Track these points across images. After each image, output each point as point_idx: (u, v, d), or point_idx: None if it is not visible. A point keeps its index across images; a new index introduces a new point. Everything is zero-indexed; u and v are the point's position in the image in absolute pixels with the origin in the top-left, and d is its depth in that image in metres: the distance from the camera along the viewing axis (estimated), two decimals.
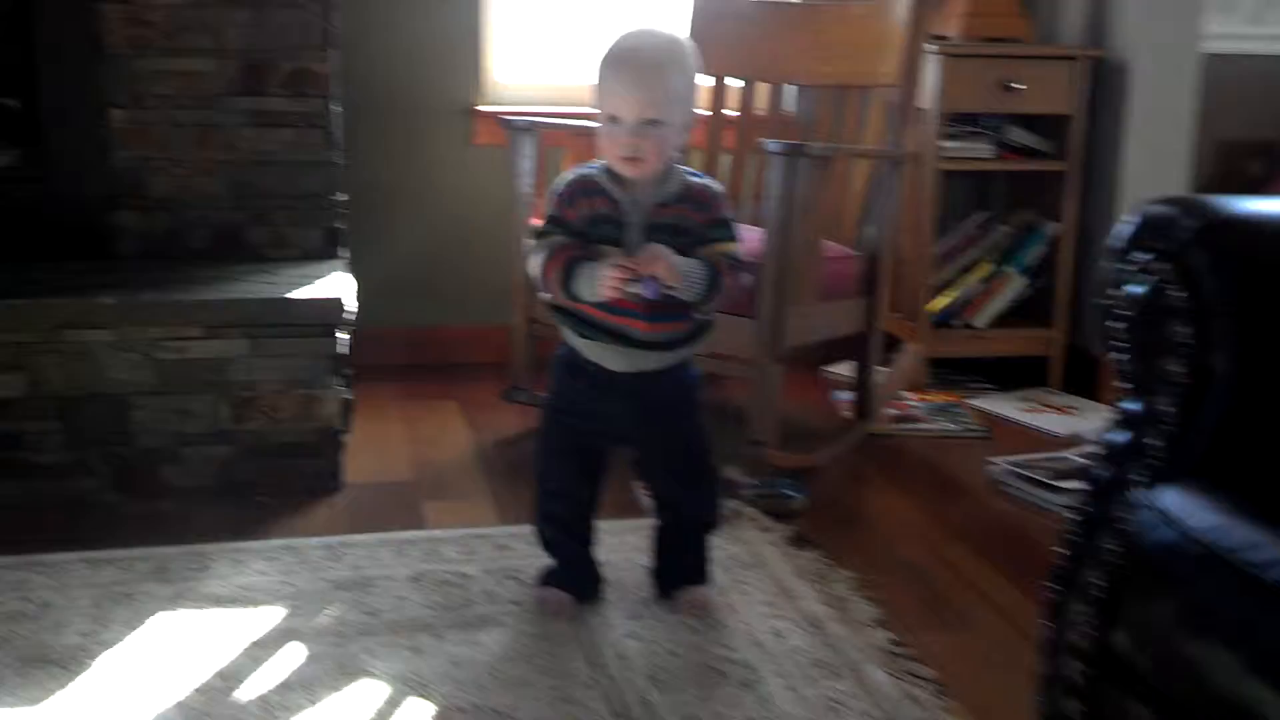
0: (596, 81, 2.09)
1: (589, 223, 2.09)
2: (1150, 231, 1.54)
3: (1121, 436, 1.55)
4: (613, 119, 2.05)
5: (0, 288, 2.69)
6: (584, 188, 2.11)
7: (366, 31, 3.50)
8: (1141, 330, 1.54)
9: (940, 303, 3.58)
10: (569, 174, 2.15)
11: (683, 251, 2.07)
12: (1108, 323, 1.60)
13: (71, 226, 2.98)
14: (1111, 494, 1.51)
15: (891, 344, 3.52)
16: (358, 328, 3.34)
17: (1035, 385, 3.61)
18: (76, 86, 2.94)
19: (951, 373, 3.66)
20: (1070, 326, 3.61)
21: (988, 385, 3.63)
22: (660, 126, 2.04)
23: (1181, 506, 1.38)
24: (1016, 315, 3.68)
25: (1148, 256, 1.54)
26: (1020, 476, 2.83)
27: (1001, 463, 2.91)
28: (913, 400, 3.43)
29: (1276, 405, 1.45)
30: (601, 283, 2.03)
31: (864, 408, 3.16)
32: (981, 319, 3.61)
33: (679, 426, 2.22)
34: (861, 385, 3.15)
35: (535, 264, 2.11)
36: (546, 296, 2.17)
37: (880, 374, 3.25)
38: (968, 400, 3.47)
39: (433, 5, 3.56)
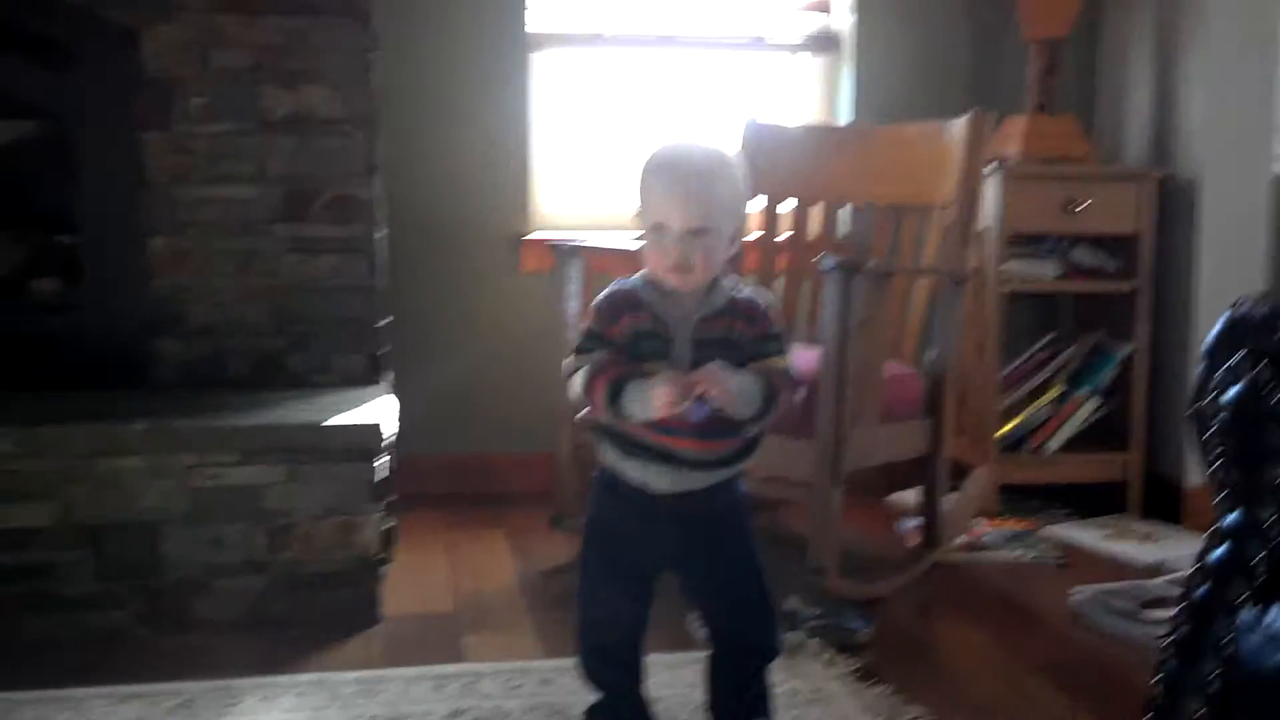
0: (640, 190, 2.00)
1: (632, 339, 1.98)
2: (1241, 331, 1.42)
3: (1221, 551, 1.40)
4: (658, 228, 1.95)
5: (33, 416, 2.62)
6: (627, 301, 2.00)
7: (413, 158, 3.48)
8: (1238, 436, 1.40)
9: (1010, 427, 3.44)
10: (609, 288, 2.05)
11: (731, 365, 1.96)
12: (1202, 432, 1.46)
13: (110, 355, 2.93)
14: (1212, 615, 1.36)
15: (960, 472, 3.37)
16: (401, 455, 3.26)
17: (1113, 512, 3.45)
18: (117, 216, 2.92)
19: (1024, 500, 3.49)
20: (1147, 450, 3.47)
21: (1063, 511, 3.47)
22: (708, 235, 1.94)
23: None
24: (1090, 440, 3.53)
25: (1240, 357, 1.41)
26: (1103, 607, 2.64)
27: (1083, 592, 2.72)
28: (984, 528, 3.26)
29: None
30: (655, 399, 1.91)
31: (932, 535, 3.01)
32: (1053, 443, 3.47)
33: (729, 548, 2.07)
34: (928, 511, 3.00)
35: (577, 382, 1.99)
36: (586, 416, 2.05)
37: (949, 500, 3.09)
38: (1044, 528, 3.30)
39: (479, 133, 3.54)
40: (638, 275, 2.02)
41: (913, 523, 3.11)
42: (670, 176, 1.96)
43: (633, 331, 1.97)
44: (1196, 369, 1.47)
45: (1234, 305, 1.44)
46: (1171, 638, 1.41)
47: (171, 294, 2.96)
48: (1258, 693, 1.24)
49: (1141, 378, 3.45)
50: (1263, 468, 1.36)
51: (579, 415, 2.09)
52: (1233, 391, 1.41)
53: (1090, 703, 2.30)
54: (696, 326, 1.97)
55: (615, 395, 1.93)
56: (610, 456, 2.04)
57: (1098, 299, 3.59)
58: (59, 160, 2.95)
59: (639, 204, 2.00)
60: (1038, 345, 3.59)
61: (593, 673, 2.13)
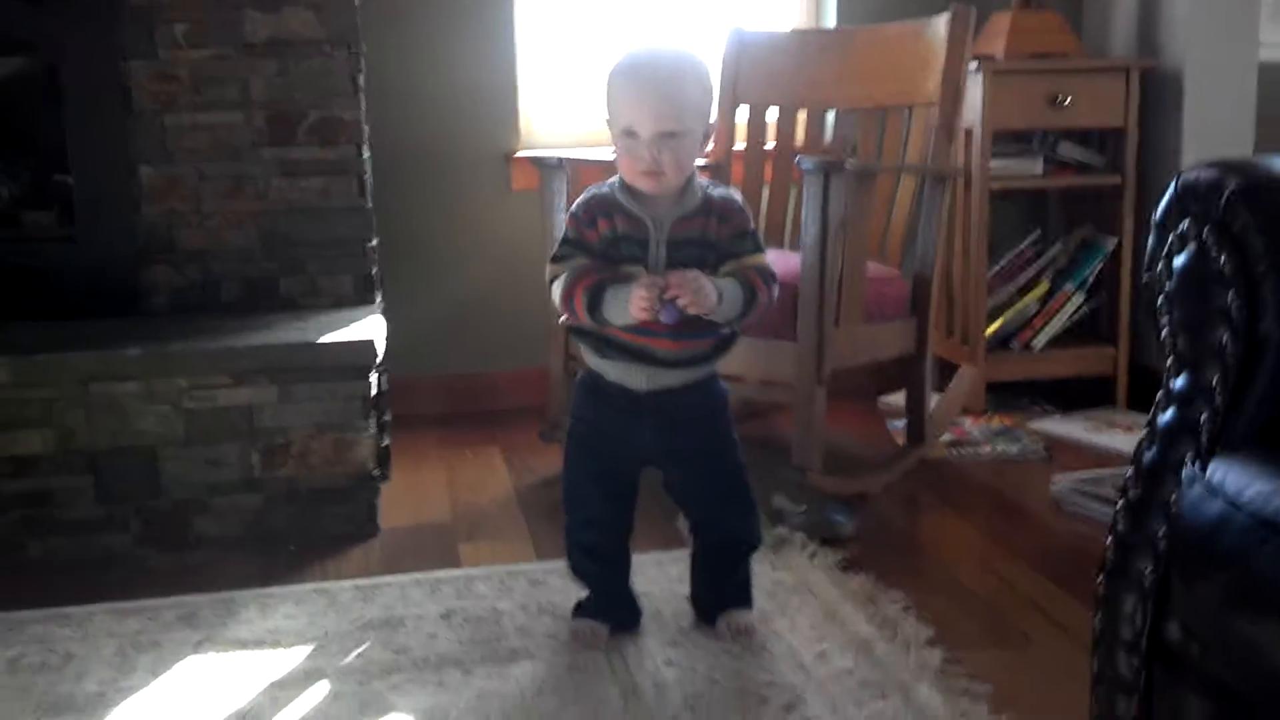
0: (608, 95, 2.01)
1: (609, 243, 2.01)
2: (1190, 197, 1.43)
3: (1168, 415, 1.42)
4: (629, 133, 1.97)
5: (29, 345, 2.66)
6: (602, 207, 2.03)
7: (399, 79, 3.48)
8: (1187, 301, 1.42)
9: (996, 325, 3.45)
10: (584, 194, 2.07)
11: (708, 265, 1.99)
12: (1152, 300, 1.48)
13: (103, 284, 2.96)
14: (1160, 476, 1.39)
15: (948, 370, 3.40)
16: (396, 377, 3.30)
17: (1099, 405, 3.46)
18: (105, 146, 2.94)
19: (1012, 397, 3.52)
20: (1133, 343, 3.48)
21: (1049, 408, 3.50)
22: (679, 138, 1.96)
23: (1231, 478, 1.26)
24: (1077, 335, 3.55)
25: (1187, 224, 1.42)
26: (1083, 494, 2.69)
27: (1064, 480, 2.76)
28: (970, 425, 3.29)
29: None
30: (633, 304, 1.94)
31: (917, 433, 3.03)
32: (1040, 340, 3.48)
33: (708, 443, 2.12)
34: (914, 410, 3.03)
35: (557, 289, 2.02)
36: (567, 320, 2.08)
37: (935, 399, 3.13)
38: (1029, 424, 3.33)
39: (466, 52, 3.53)
40: (612, 180, 2.04)
41: (901, 423, 3.14)
42: (639, 80, 1.98)
43: (610, 235, 2.00)
44: (1149, 238, 1.49)
45: (1181, 174, 1.45)
46: (1122, 500, 1.44)
47: (162, 222, 2.99)
48: (1193, 542, 1.27)
49: (1126, 272, 3.45)
50: (1207, 330, 1.39)
51: (560, 319, 2.12)
52: (1180, 258, 1.43)
53: (1067, 583, 2.34)
54: (672, 227, 2.00)
55: (594, 302, 1.97)
56: (589, 358, 2.08)
57: (1084, 194, 3.59)
58: (48, 94, 2.97)
59: (608, 110, 2.01)
60: (1024, 242, 3.59)
61: (580, 569, 2.19)
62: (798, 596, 2.29)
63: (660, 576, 2.38)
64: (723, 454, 2.13)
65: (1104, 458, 3.05)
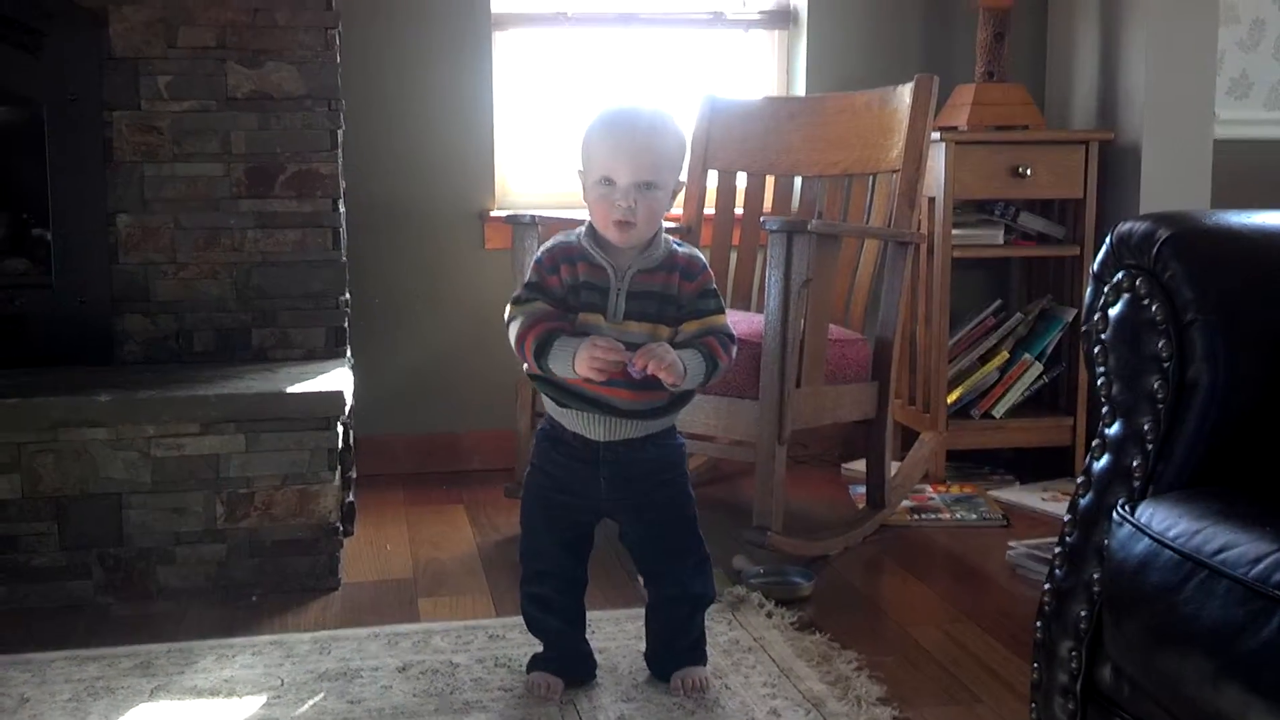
0: (586, 146, 2.07)
1: (570, 289, 2.05)
2: (1125, 248, 1.49)
3: (1103, 462, 1.47)
4: (606, 181, 2.02)
5: (0, 390, 2.67)
6: (565, 254, 2.07)
7: (377, 137, 3.54)
8: (1121, 349, 1.47)
9: (957, 393, 3.50)
10: (550, 242, 2.12)
11: (665, 320, 2.03)
12: (1089, 350, 1.53)
13: (77, 332, 2.98)
14: (1095, 521, 1.43)
15: (910, 437, 3.44)
16: (364, 435, 3.32)
17: (1057, 476, 3.50)
18: (84, 194, 2.97)
19: (971, 465, 3.56)
20: (1091, 414, 3.51)
21: (1008, 476, 3.53)
22: (653, 190, 2.01)
23: (1159, 518, 1.30)
24: (1035, 405, 3.60)
25: (1122, 275, 1.48)
26: (1036, 559, 2.72)
27: (1019, 546, 2.80)
28: (930, 492, 3.33)
29: (1259, 412, 1.37)
30: (581, 361, 1.98)
31: (878, 498, 3.07)
32: (1000, 409, 3.52)
33: (663, 496, 2.15)
34: (874, 474, 3.06)
35: (513, 331, 2.06)
36: (526, 368, 2.12)
37: (897, 465, 3.16)
38: (988, 492, 3.37)
39: (443, 111, 3.59)
40: (580, 228, 2.09)
41: (863, 488, 3.17)
42: (619, 131, 2.04)
43: (570, 282, 2.04)
44: (1087, 291, 1.54)
45: (1116, 226, 1.51)
46: (1059, 548, 1.47)
47: (138, 271, 3.02)
48: (1122, 581, 1.31)
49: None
50: (1140, 377, 1.43)
51: (524, 368, 2.15)
52: (1115, 308, 1.48)
53: (1017, 644, 2.36)
54: (634, 279, 2.04)
55: (541, 349, 2.00)
56: (550, 406, 2.11)
57: (1044, 264, 3.67)
58: (28, 142, 3.01)
59: (584, 159, 2.06)
60: (986, 311, 3.64)
61: (534, 622, 2.20)
62: (752, 654, 2.31)
63: (618, 633, 2.40)
64: (677, 507, 2.15)
65: (1059, 526, 3.05)
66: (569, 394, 2.06)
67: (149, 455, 2.66)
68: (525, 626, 2.22)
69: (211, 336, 3.06)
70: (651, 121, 2.06)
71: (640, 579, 2.31)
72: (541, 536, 2.16)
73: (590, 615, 2.47)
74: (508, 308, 2.08)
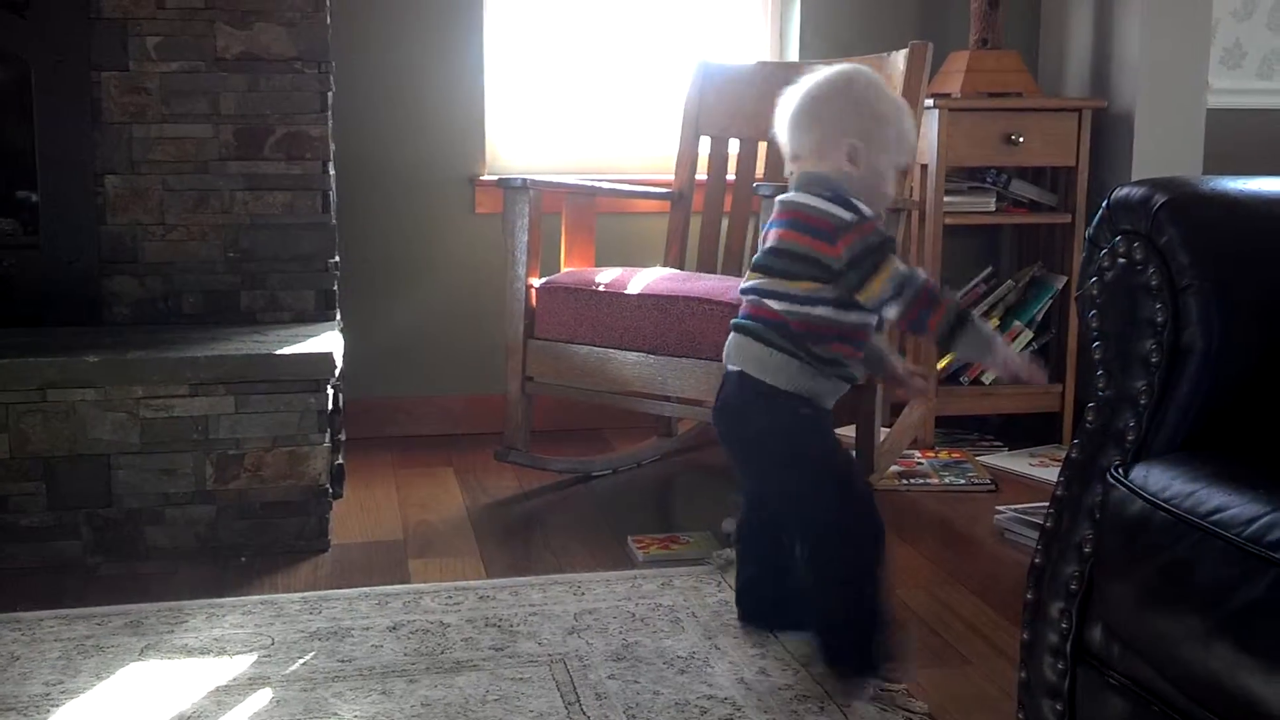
0: (898, 128, 2.05)
1: None
2: (1121, 213, 1.49)
3: (1096, 422, 1.47)
4: (901, 168, 2.10)
5: None
6: None
7: (369, 99, 3.52)
8: (1115, 313, 1.47)
9: (947, 359, 3.51)
10: (870, 214, 2.02)
11: None
12: (1085, 314, 1.53)
13: (66, 293, 2.98)
14: (1088, 480, 1.43)
15: (899, 403, 3.44)
16: (355, 399, 3.31)
17: (1046, 442, 3.52)
18: (72, 155, 2.96)
19: (960, 431, 3.57)
20: (1080, 381, 3.53)
21: (997, 443, 3.55)
22: None
23: (1153, 480, 1.30)
24: None
25: (1118, 239, 1.48)
26: (1025, 523, 2.73)
27: (1007, 511, 2.81)
28: (919, 458, 3.34)
29: (1253, 378, 1.37)
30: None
31: (867, 464, 3.07)
32: (989, 375, 3.52)
33: None
34: (864, 440, 3.06)
35: (897, 275, 1.94)
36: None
37: (885, 433, 3.17)
38: (976, 458, 3.38)
39: (434, 74, 3.57)
40: (835, 194, 2.00)
41: (852, 454, 3.17)
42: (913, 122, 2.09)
43: None
44: (1082, 255, 1.54)
45: (1112, 191, 1.51)
46: (1051, 509, 1.48)
47: (126, 233, 3.01)
48: (1115, 541, 1.32)
49: (1075, 311, 3.50)
50: (1134, 341, 1.44)
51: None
52: (1110, 272, 1.48)
53: (1006, 607, 2.38)
54: None
55: (954, 327, 1.94)
56: (841, 380, 2.06)
57: (1036, 232, 3.67)
58: (16, 102, 2.99)
59: (893, 141, 2.04)
60: (977, 278, 3.65)
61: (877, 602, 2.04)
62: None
63: (608, 594, 2.42)
64: None
65: (1048, 491, 3.07)
66: (852, 371, 2.07)
67: (138, 416, 2.65)
68: (861, 616, 2.01)
69: (200, 299, 3.05)
70: None
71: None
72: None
73: (579, 577, 2.51)
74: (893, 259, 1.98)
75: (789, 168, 2.11)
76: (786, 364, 1.98)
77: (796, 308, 1.99)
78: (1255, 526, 1.15)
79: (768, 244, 2.08)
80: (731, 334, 2.09)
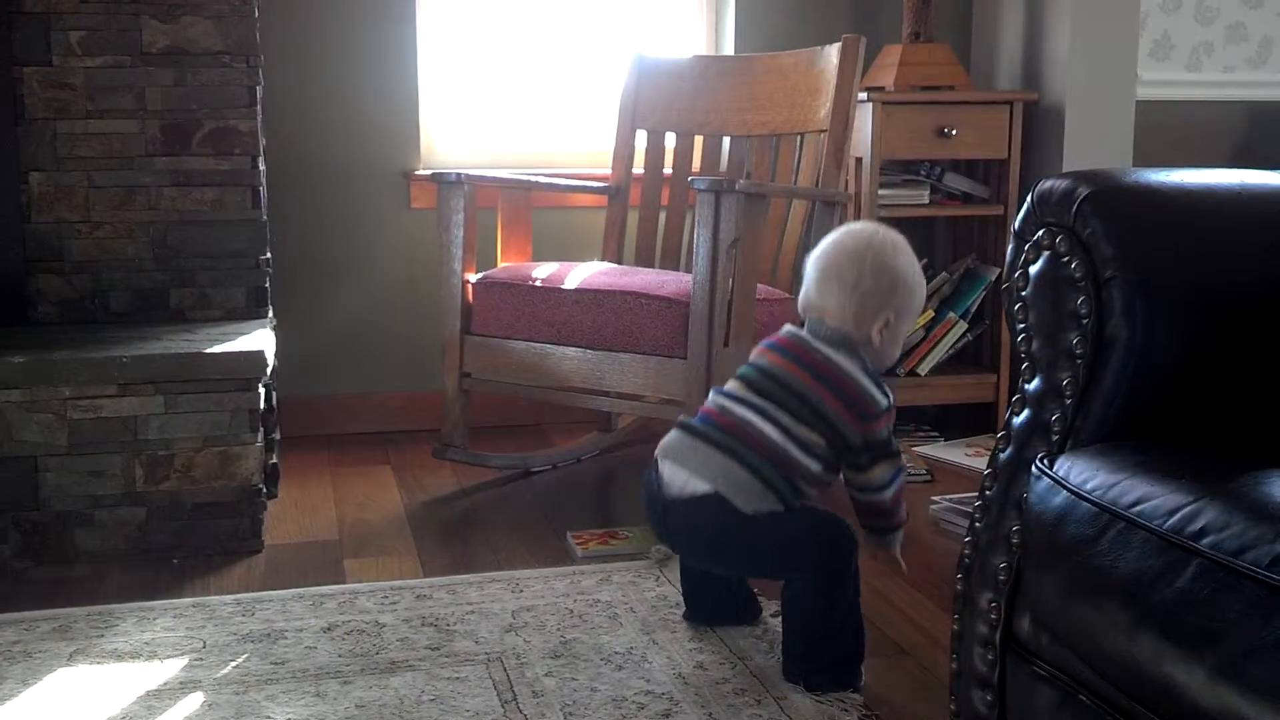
0: (914, 297, 2.10)
1: None
2: (1045, 206, 1.50)
3: (1022, 416, 1.48)
4: (907, 328, 2.13)
5: None
6: None
7: (300, 93, 3.48)
8: (1040, 306, 1.48)
9: None
10: (879, 381, 2.07)
11: None
12: (1010, 307, 1.54)
13: None
14: (1014, 474, 1.44)
15: None
16: (288, 396, 3.27)
17: (980, 431, 3.55)
18: None
19: (897, 422, 3.57)
20: (1014, 371, 3.53)
21: (933, 433, 3.57)
22: None
23: (1076, 471, 1.31)
24: (960, 362, 3.63)
25: (1043, 233, 1.49)
26: (959, 513, 2.75)
27: (943, 501, 2.83)
28: None
29: (1177, 369, 1.39)
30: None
31: None
32: (925, 367, 3.55)
33: None
34: None
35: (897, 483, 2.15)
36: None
37: None
38: (913, 448, 3.40)
39: (369, 68, 3.54)
40: (854, 356, 2.06)
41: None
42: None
43: None
44: (1009, 249, 1.55)
45: (1036, 185, 1.52)
46: (980, 501, 1.49)
47: (51, 231, 2.96)
48: (1041, 533, 1.32)
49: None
50: (1059, 333, 1.45)
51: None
52: (1035, 265, 1.49)
53: (940, 597, 2.40)
54: None
55: (888, 531, 2.21)
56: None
57: (969, 224, 3.70)
58: None
59: (908, 306, 2.09)
60: None
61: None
62: (679, 609, 2.31)
63: (546, 591, 2.41)
64: None
65: (980, 481, 3.10)
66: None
67: (65, 417, 2.60)
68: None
69: (129, 297, 3.00)
70: None
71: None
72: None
73: (518, 574, 2.50)
74: (891, 460, 2.12)
75: (807, 310, 2.11)
76: (764, 494, 1.98)
77: (791, 447, 1.99)
78: (1177, 517, 1.16)
79: (775, 375, 2.06)
80: (695, 439, 2.04)
